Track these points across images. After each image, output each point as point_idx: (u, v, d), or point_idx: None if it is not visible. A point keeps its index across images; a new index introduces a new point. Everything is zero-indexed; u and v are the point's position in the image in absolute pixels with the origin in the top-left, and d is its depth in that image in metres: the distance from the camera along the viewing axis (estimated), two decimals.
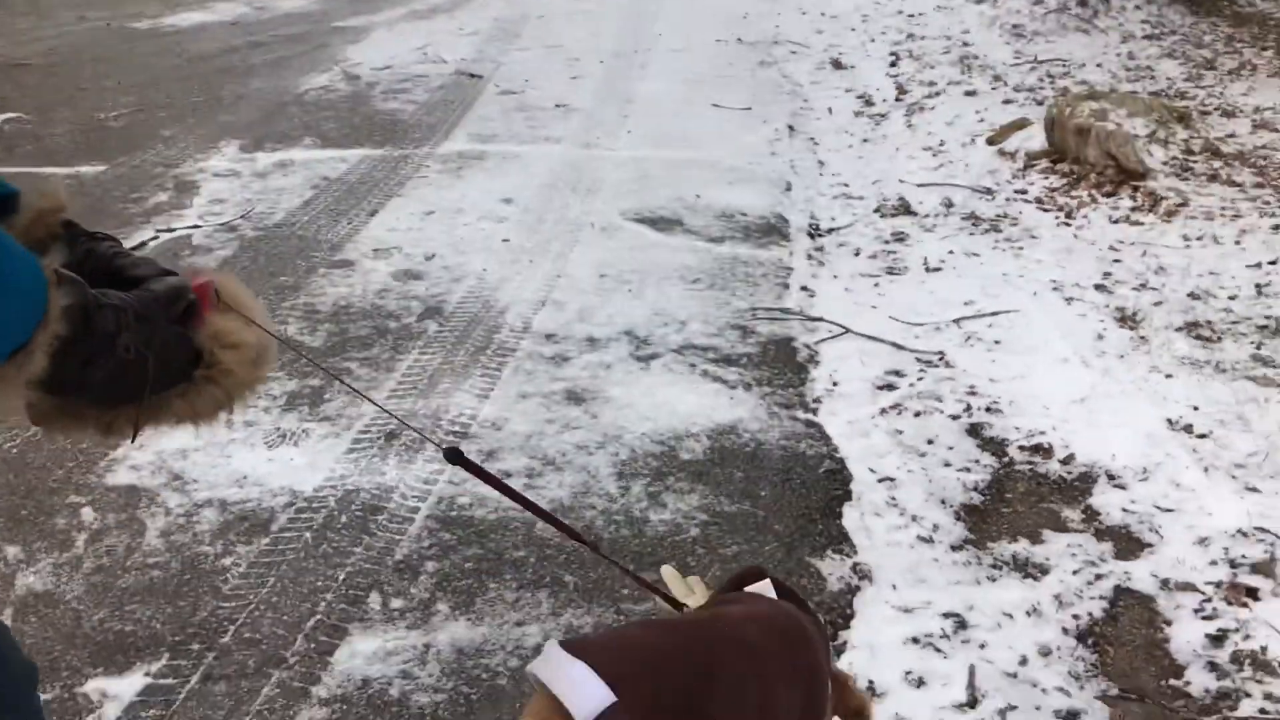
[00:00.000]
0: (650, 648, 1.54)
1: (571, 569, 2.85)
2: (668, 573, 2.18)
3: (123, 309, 1.23)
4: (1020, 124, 6.94)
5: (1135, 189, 5.84)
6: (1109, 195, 5.83)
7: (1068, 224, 5.51)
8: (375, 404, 2.14)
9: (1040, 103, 7.81)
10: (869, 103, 8.24)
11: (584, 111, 7.61)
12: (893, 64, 9.24)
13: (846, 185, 6.38)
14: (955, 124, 7.37)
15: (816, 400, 3.74)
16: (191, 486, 3.18)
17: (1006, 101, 7.85)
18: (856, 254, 5.26)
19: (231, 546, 2.92)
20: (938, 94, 8.14)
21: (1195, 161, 6.26)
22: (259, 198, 5.72)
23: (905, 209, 5.87)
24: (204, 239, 5.14)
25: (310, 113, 7.35)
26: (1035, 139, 6.66)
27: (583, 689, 1.42)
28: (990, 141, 6.86)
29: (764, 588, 1.88)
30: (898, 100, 8.18)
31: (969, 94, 8.12)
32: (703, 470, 3.29)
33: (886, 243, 5.42)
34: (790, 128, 7.47)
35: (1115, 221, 5.51)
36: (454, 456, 1.76)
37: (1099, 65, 9.10)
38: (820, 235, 5.56)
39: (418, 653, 2.55)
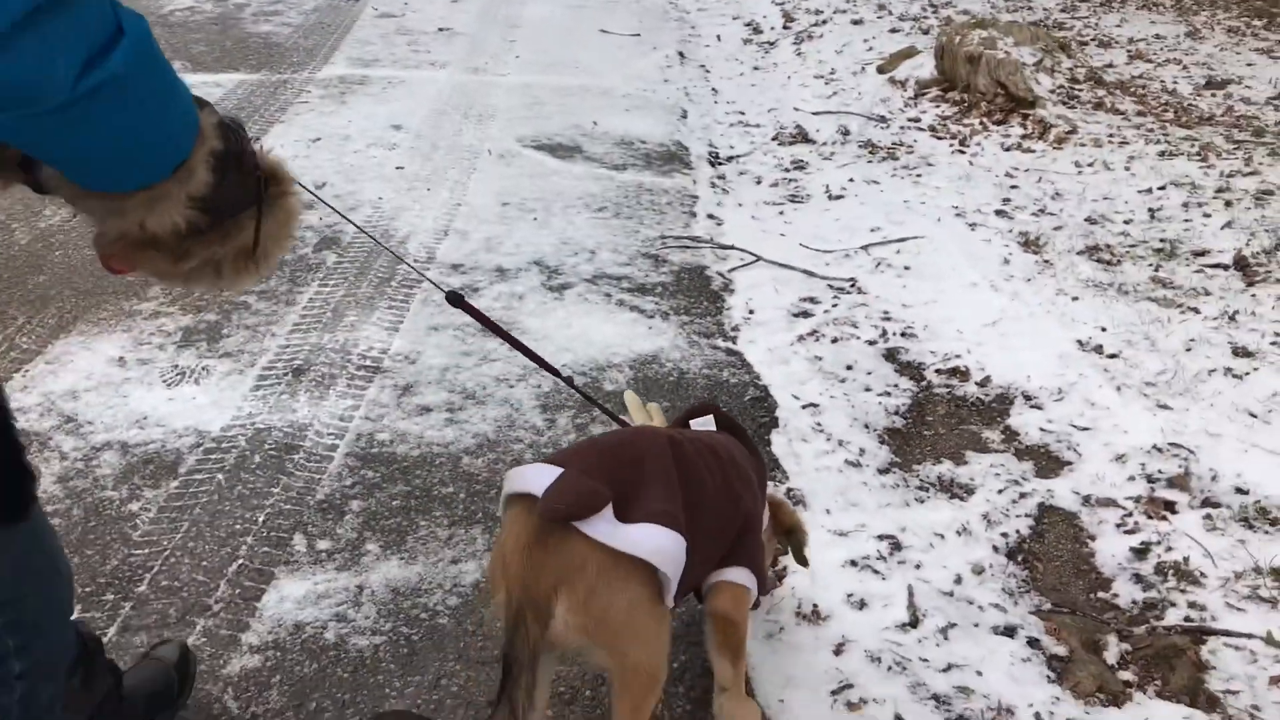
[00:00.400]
0: (589, 447, 1.87)
1: None
2: (630, 399, 2.46)
3: (239, 127, 1.29)
4: (909, 52, 6.98)
5: (1025, 116, 5.93)
6: (999, 123, 5.92)
7: (962, 151, 5.57)
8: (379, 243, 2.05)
9: (926, 31, 7.88)
10: (757, 30, 8.20)
11: (468, 36, 7.36)
12: None
13: (743, 113, 6.34)
14: (844, 52, 7.37)
15: (735, 329, 3.70)
16: (87, 429, 2.97)
17: (893, 30, 7.89)
18: (759, 182, 5.23)
19: (138, 491, 2.74)
20: (824, 22, 8.13)
21: (1080, 90, 6.39)
22: None
23: (803, 137, 5.86)
24: None
25: (177, 34, 6.92)
26: (925, 67, 6.70)
27: (538, 477, 1.73)
28: (881, 70, 6.88)
29: (707, 421, 2.23)
30: (785, 28, 8.15)
31: (855, 22, 8.13)
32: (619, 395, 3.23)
33: (787, 170, 5.41)
34: (680, 54, 7.37)
35: (1008, 149, 5.59)
36: (456, 300, 2.09)
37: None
38: (721, 163, 5.51)
39: (351, 595, 2.44)
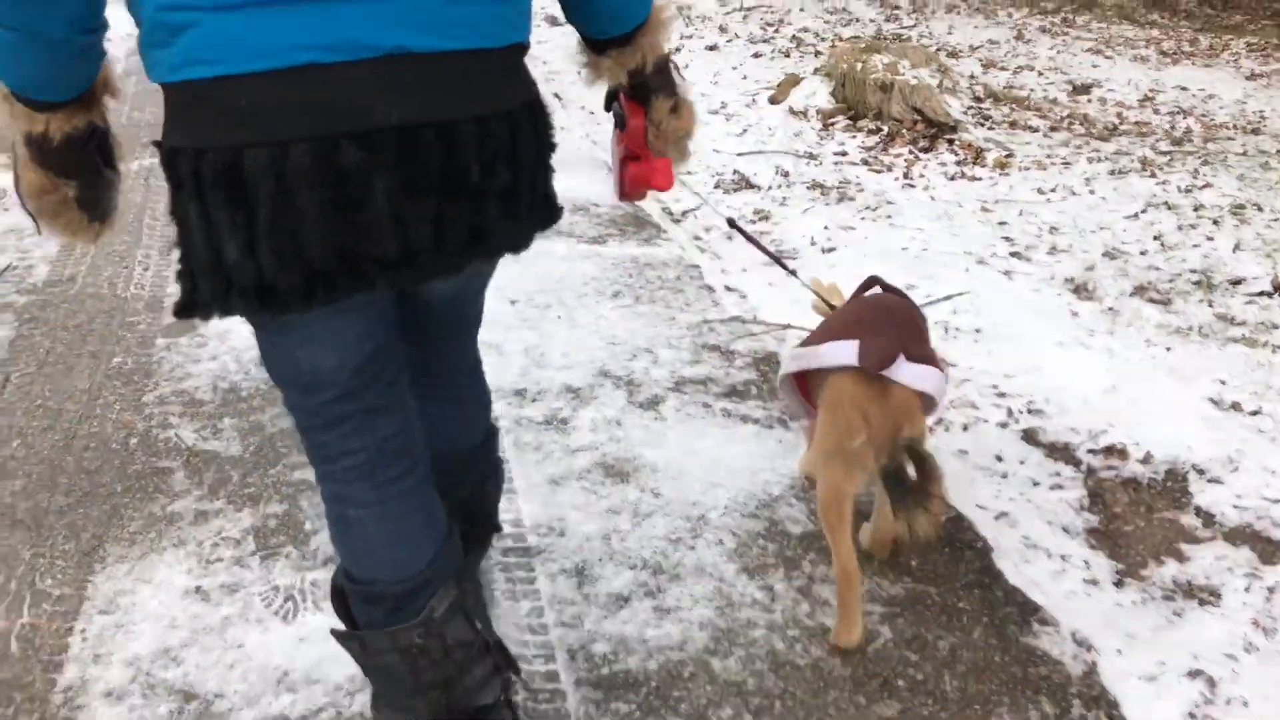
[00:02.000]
0: (854, 319, 2.51)
1: None
2: (815, 283, 3.06)
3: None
4: (794, 80, 6.80)
5: (950, 142, 5.86)
6: (926, 150, 5.82)
7: (911, 185, 5.42)
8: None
9: (785, 54, 7.75)
10: None
11: None
12: None
13: None
14: (722, 83, 7.11)
15: None
16: (224, 709, 2.24)
17: (756, 55, 7.70)
18: (731, 239, 4.87)
19: None
20: (678, 50, 7.85)
21: (986, 109, 6.41)
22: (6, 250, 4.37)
23: (745, 182, 5.54)
24: None
25: None
26: (819, 95, 6.54)
27: (843, 350, 2.36)
28: (773, 100, 6.66)
29: (876, 290, 2.79)
30: None
31: (710, 48, 7.90)
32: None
33: (753, 223, 5.07)
34: (557, 96, 6.88)
35: (953, 178, 5.49)
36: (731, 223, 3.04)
37: (801, 10, 9.20)
38: (679, 220, 5.11)
39: None
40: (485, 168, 1.60)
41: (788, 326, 3.89)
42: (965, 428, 3.35)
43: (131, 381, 3.39)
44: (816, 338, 2.53)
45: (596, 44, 1.85)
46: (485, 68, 1.58)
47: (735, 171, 5.63)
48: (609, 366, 3.58)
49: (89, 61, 1.59)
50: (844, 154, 5.83)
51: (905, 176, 5.49)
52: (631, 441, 3.18)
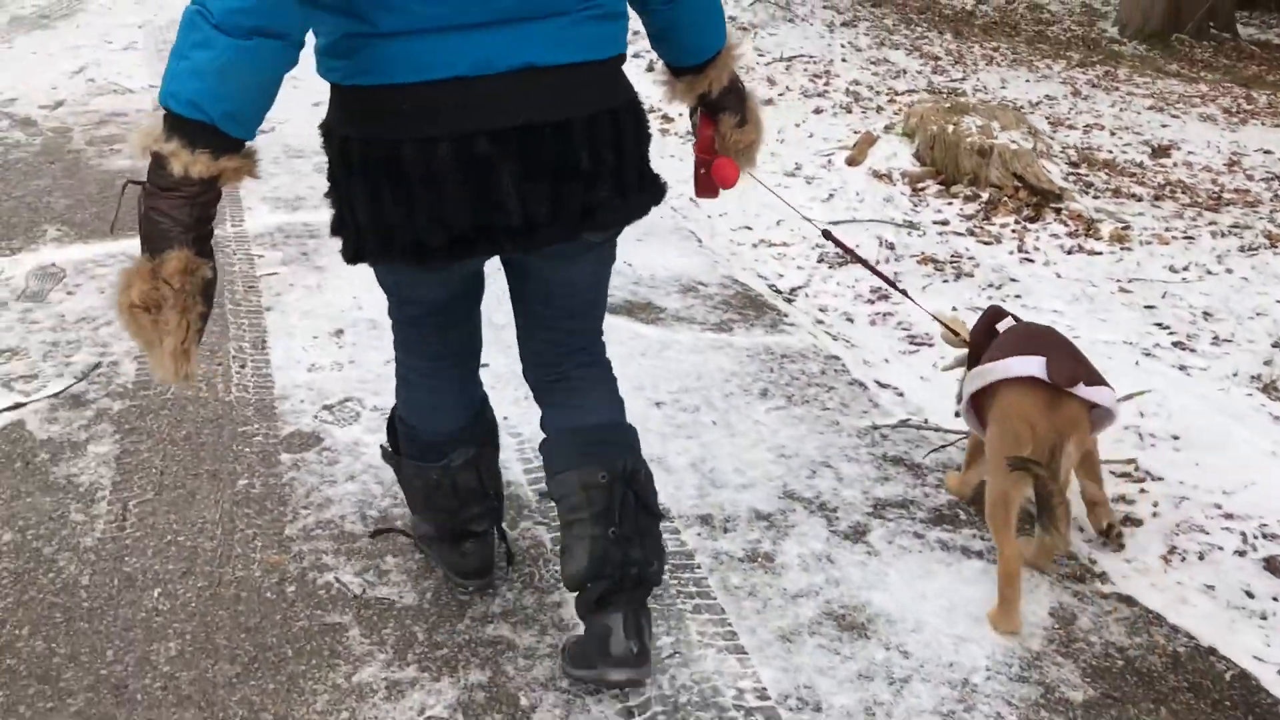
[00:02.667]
0: (1029, 340, 2.77)
1: None
2: (944, 317, 3.30)
3: None
4: (870, 139, 6.51)
5: (1057, 211, 5.58)
6: (1032, 221, 5.54)
7: (1030, 260, 5.13)
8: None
9: (846, 109, 7.47)
10: (667, 118, 7.47)
11: None
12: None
13: (749, 228, 5.61)
14: (790, 141, 6.80)
15: (1091, 560, 2.99)
16: None
17: (817, 111, 7.42)
18: (871, 323, 4.54)
19: None
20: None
21: (1084, 174, 6.14)
22: (59, 342, 3.93)
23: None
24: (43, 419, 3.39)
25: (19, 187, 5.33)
26: (900, 156, 6.25)
27: (1025, 365, 2.63)
28: (851, 162, 6.36)
29: (1009, 321, 2.97)
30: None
31: (767, 102, 7.60)
32: (1113, 711, 2.44)
33: (872, 302, 4.75)
34: None
35: (1070, 252, 5.21)
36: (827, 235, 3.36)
37: (844, 60, 8.96)
38: (791, 298, 4.77)
39: None
40: (594, 155, 1.99)
41: (961, 434, 3.55)
42: (1201, 557, 3.01)
43: (265, 509, 2.98)
44: (994, 357, 2.78)
45: (674, 70, 2.30)
46: (595, 75, 2.00)
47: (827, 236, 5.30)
48: (791, 485, 3.21)
49: (274, 95, 1.85)
50: (945, 223, 5.53)
51: (1020, 249, 5.19)
52: (852, 584, 2.80)
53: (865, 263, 3.41)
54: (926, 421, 3.63)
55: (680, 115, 6.70)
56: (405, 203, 1.94)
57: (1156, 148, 6.92)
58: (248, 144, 1.83)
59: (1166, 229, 5.30)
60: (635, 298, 4.48)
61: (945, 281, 4.91)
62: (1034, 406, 2.60)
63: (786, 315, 4.45)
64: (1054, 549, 2.69)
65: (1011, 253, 5.19)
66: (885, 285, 3.37)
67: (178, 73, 1.73)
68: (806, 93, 7.77)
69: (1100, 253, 5.12)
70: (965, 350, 3.10)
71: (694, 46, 2.24)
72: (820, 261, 5.15)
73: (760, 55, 8.96)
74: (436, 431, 2.49)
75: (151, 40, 8.39)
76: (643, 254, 4.93)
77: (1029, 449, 2.55)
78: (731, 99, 2.35)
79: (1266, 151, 6.88)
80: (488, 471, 2.59)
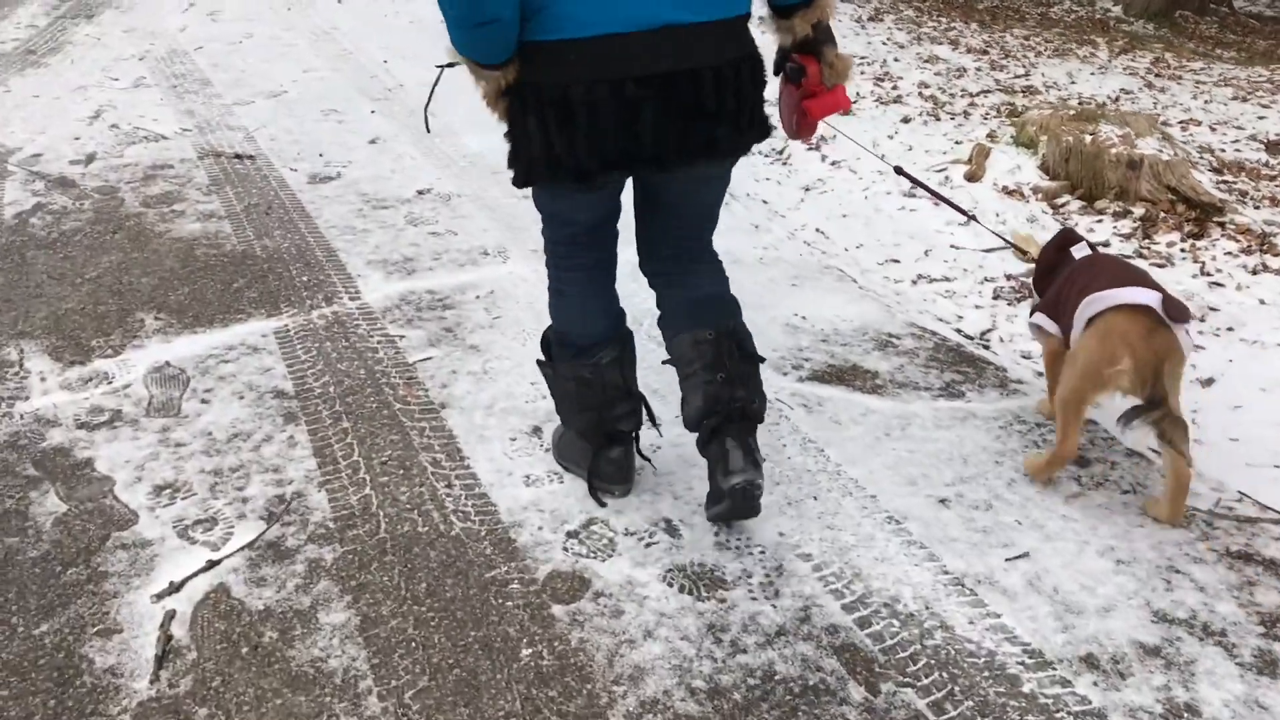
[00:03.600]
0: (1128, 273, 3.12)
1: None
2: (1018, 236, 3.94)
3: None
4: (984, 151, 6.07)
5: (1221, 226, 5.18)
6: (1197, 237, 5.13)
7: (1220, 285, 4.71)
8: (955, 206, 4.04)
9: (934, 117, 7.02)
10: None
11: (472, 196, 5.57)
12: None
13: (896, 260, 5.13)
14: (891, 156, 6.33)
15: None
16: None
17: (905, 120, 6.96)
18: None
19: None
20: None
21: (1234, 182, 5.75)
22: (221, 470, 3.33)
23: (1026, 290, 4.76)
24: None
25: (52, 256, 4.67)
26: (1025, 169, 5.82)
27: (1133, 294, 2.94)
28: (970, 178, 5.92)
29: (1083, 246, 3.37)
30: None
31: (844, 113, 7.12)
32: None
33: None
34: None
35: (1255, 272, 4.81)
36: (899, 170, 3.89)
37: (895, 60, 8.51)
38: (985, 343, 4.31)
39: None
40: (719, 99, 2.44)
41: None
42: None
43: (570, 690, 2.44)
44: (1095, 284, 3.06)
45: (785, 10, 2.63)
46: (724, 32, 2.45)
47: (1007, 277, 4.85)
48: (1156, 603, 2.73)
49: (514, 37, 2.40)
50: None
51: (1203, 272, 4.78)
52: None
53: (935, 193, 3.91)
54: (1242, 496, 3.19)
55: None
56: (569, 134, 2.44)
57: (1269, 143, 6.57)
58: (506, 59, 2.45)
59: None
60: (836, 360, 3.98)
61: None
62: (1138, 333, 2.90)
63: (1006, 370, 3.98)
64: (1183, 472, 2.98)
65: (1195, 276, 4.77)
66: (946, 203, 3.92)
67: (452, 41, 2.45)
68: (881, 99, 7.32)
69: None
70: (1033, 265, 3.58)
71: None
72: (997, 298, 4.69)
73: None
74: (587, 334, 2.91)
75: (161, 75, 7.67)
76: (806, 302, 4.44)
77: (1123, 366, 2.90)
78: (827, 33, 2.73)
79: None
80: (630, 370, 3.00)
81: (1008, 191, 5.68)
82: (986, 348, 4.26)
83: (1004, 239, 3.89)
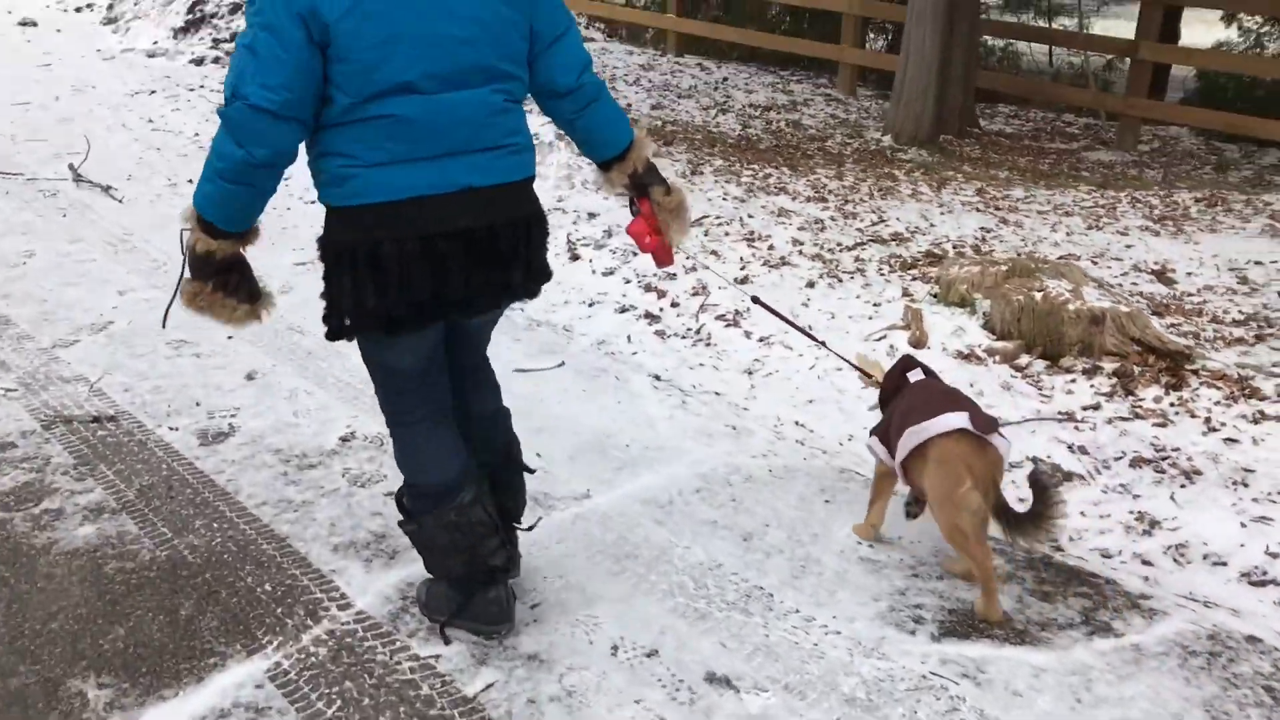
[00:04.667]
0: (944, 398, 3.44)
1: None
2: (862, 360, 4.06)
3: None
4: (919, 314, 5.84)
5: (1195, 374, 5.11)
6: (1175, 388, 5.03)
7: (1235, 441, 4.57)
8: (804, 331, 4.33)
9: (835, 277, 6.75)
10: (651, 317, 6.44)
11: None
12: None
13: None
14: (819, 326, 5.99)
15: None
16: None
17: (810, 285, 6.66)
18: (1181, 561, 3.77)
19: None
20: (777, 267, 6.60)
21: (1177, 323, 5.74)
22: None
23: (1062, 472, 4.45)
24: None
25: None
26: (969, 331, 5.63)
27: (954, 419, 3.28)
28: (916, 344, 5.65)
29: (918, 371, 3.68)
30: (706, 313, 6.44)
31: (742, 280, 6.75)
32: None
33: (1147, 532, 3.99)
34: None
35: (1256, 421, 4.71)
36: (755, 299, 4.11)
37: (750, 216, 8.33)
38: (1082, 557, 3.92)
39: None
40: (513, 249, 2.85)
41: None
42: None
43: None
44: (919, 412, 3.37)
45: (603, 165, 3.12)
46: (514, 192, 2.85)
47: (1031, 457, 4.53)
48: None
49: (263, 208, 2.74)
50: (1095, 407, 4.90)
51: (1210, 429, 4.64)
52: None
53: (790, 322, 4.27)
54: None
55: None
56: (381, 286, 2.68)
57: (1157, 273, 6.72)
58: (244, 231, 2.77)
59: None
60: (947, 599, 3.46)
61: (1183, 487, 4.25)
62: (966, 452, 3.24)
63: (1117, 580, 3.60)
64: (1039, 539, 3.39)
65: (1204, 434, 4.63)
66: (800, 331, 4.33)
67: (198, 188, 2.67)
68: (767, 263, 7.03)
69: None
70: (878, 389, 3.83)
71: (610, 141, 3.07)
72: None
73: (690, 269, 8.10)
74: (444, 480, 3.05)
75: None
76: (854, 525, 3.95)
77: (968, 485, 3.22)
78: (653, 175, 3.13)
79: (1257, 262, 6.87)
80: (490, 503, 3.13)
81: (963, 356, 5.43)
82: (1082, 559, 3.88)
83: (850, 363, 4.03)
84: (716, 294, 6.43)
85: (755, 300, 4.11)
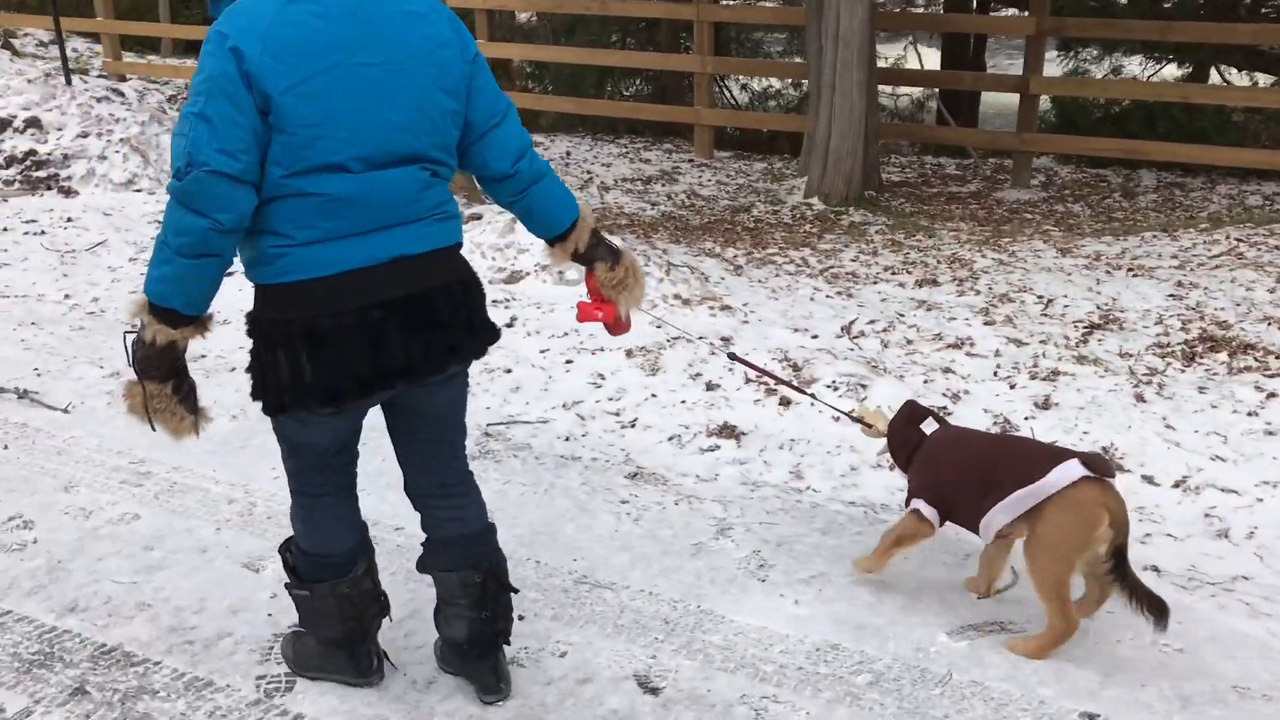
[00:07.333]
0: (1044, 450, 3.58)
1: None
2: (863, 411, 3.95)
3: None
4: (865, 411, 6.11)
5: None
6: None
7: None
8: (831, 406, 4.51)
9: (832, 386, 6.82)
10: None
11: None
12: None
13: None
14: (793, 439, 6.14)
15: None
16: None
17: (811, 403, 6.86)
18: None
19: None
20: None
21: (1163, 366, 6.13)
22: None
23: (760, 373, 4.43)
24: None
25: None
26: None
27: (1075, 468, 3.36)
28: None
29: (931, 421, 3.67)
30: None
31: (770, 392, 6.89)
32: None
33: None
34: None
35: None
36: (732, 355, 4.21)
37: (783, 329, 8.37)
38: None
39: None
40: (451, 311, 2.89)
41: None
42: None
43: None
44: (997, 484, 3.45)
45: (548, 241, 3.18)
46: (443, 258, 2.92)
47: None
48: None
49: (217, 290, 2.78)
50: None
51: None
52: None
53: (775, 377, 4.54)
54: None
55: None
56: (319, 361, 2.73)
57: (1091, 325, 7.02)
58: (199, 317, 2.76)
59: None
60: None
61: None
62: (1101, 498, 3.30)
63: None
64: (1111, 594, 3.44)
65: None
66: (786, 386, 4.58)
67: (152, 277, 2.67)
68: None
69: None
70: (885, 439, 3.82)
71: (553, 221, 3.15)
72: None
73: (658, 326, 7.99)
74: (345, 550, 3.17)
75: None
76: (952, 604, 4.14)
77: (1103, 529, 3.26)
78: (601, 251, 3.21)
79: (1186, 296, 7.20)
80: (375, 571, 3.30)
81: None
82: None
83: (849, 415, 4.01)
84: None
85: (731, 356, 4.21)
